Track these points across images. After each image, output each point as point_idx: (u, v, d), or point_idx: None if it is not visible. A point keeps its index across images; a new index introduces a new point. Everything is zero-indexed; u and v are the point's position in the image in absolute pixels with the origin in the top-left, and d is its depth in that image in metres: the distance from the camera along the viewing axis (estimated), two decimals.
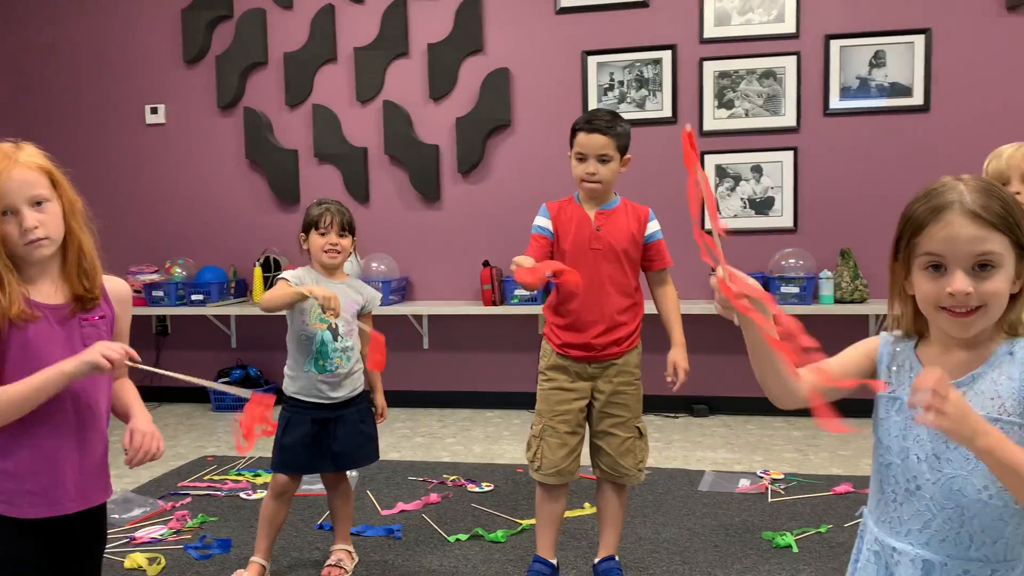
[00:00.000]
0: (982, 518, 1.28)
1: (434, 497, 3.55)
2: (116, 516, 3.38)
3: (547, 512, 2.66)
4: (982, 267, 1.26)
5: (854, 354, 1.47)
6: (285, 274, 2.69)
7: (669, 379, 2.62)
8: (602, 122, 2.52)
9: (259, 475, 3.94)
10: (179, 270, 5.47)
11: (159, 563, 2.93)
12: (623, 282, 2.60)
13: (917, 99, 4.67)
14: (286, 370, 2.76)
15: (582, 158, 2.56)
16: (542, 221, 2.65)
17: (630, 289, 2.62)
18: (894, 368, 1.40)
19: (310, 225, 2.72)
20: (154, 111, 5.63)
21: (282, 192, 5.46)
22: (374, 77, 5.28)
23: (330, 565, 2.84)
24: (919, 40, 4.64)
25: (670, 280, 2.72)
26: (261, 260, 5.38)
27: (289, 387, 2.73)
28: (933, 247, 1.29)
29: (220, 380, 5.47)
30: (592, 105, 5.02)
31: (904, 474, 1.34)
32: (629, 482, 2.66)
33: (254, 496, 3.65)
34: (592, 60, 5.02)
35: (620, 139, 2.55)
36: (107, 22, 5.65)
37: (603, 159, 2.53)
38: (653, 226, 2.65)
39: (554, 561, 2.69)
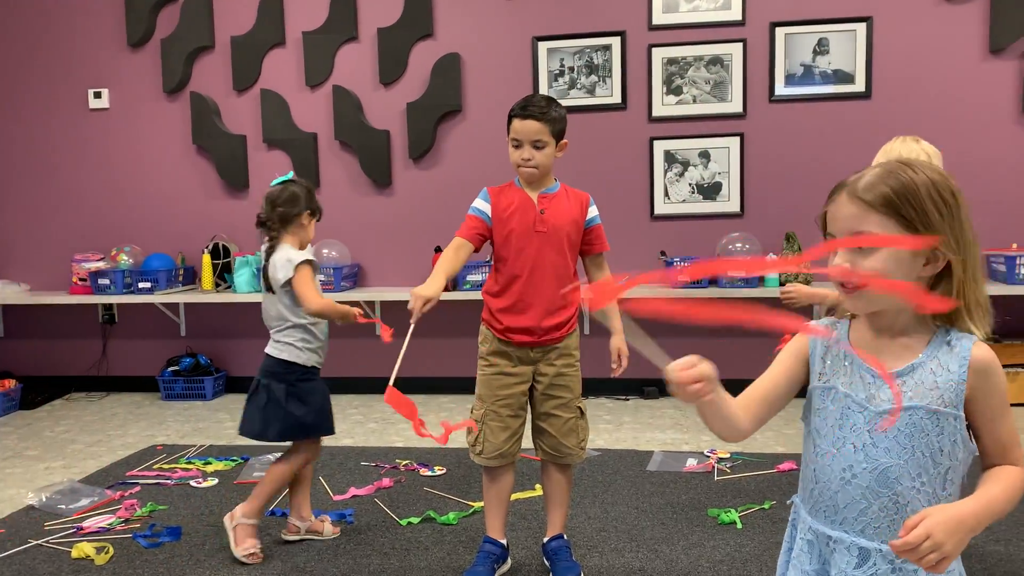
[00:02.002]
0: (915, 505, 1.32)
1: (386, 482, 3.57)
2: (63, 507, 3.34)
3: (494, 493, 2.70)
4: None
5: (782, 364, 1.48)
6: (309, 261, 2.83)
7: (613, 366, 2.65)
8: (536, 108, 2.54)
9: (209, 463, 3.92)
10: (126, 258, 5.38)
11: (107, 552, 2.90)
12: (563, 265, 2.64)
13: (859, 86, 4.78)
14: (302, 344, 2.86)
15: (518, 144, 2.58)
16: (481, 204, 2.67)
17: (569, 273, 2.66)
18: (828, 361, 1.42)
19: (316, 211, 2.96)
20: (97, 95, 5.51)
21: (230, 178, 5.39)
22: (323, 62, 5.24)
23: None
24: (861, 28, 4.75)
25: (607, 266, 2.78)
26: (210, 247, 5.32)
27: (310, 359, 2.88)
28: (829, 227, 1.36)
29: (169, 370, 5.41)
30: (543, 90, 5.05)
31: (840, 463, 1.36)
32: (572, 461, 2.71)
33: (204, 484, 3.63)
34: (542, 46, 5.04)
35: (554, 124, 2.57)
36: (48, 4, 5.50)
37: (537, 145, 2.57)
38: (593, 211, 2.72)
39: (504, 541, 2.73)
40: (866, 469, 1.34)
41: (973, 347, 1.33)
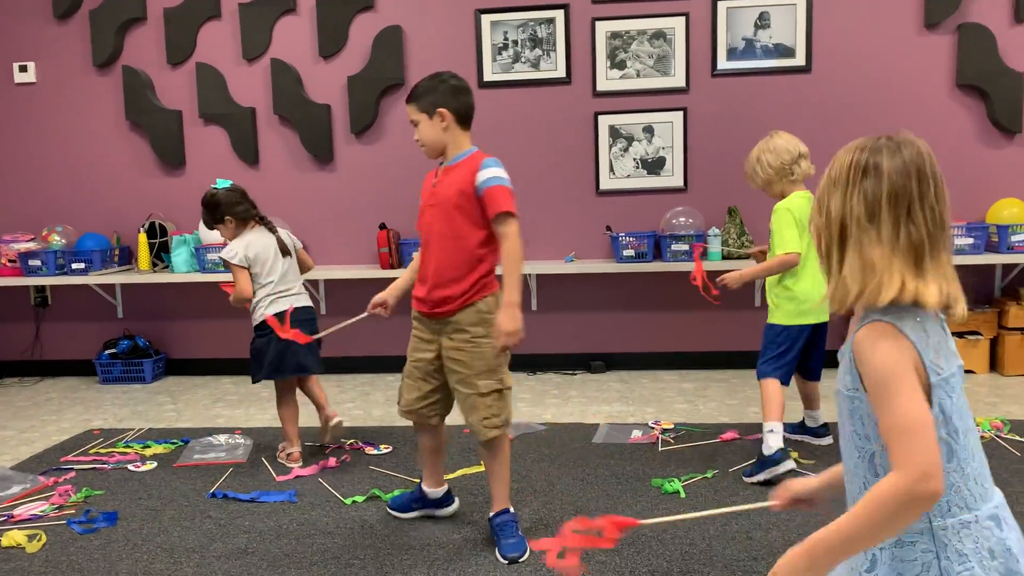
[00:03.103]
0: (851, 489, 1.35)
1: (331, 462, 3.53)
2: None
3: (420, 445, 2.92)
4: None
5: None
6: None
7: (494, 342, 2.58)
8: (410, 92, 2.69)
9: (148, 446, 3.83)
10: (58, 238, 5.20)
11: (39, 540, 2.82)
12: (452, 236, 2.59)
13: (799, 60, 4.83)
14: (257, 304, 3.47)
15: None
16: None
17: (465, 245, 2.59)
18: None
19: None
20: (23, 69, 5.29)
21: (166, 154, 5.24)
22: (260, 34, 5.10)
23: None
24: (801, 2, 4.78)
25: (510, 233, 2.58)
26: (146, 226, 5.17)
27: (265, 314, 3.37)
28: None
29: (106, 353, 5.27)
30: (487, 65, 5.00)
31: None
32: (477, 437, 2.70)
33: (143, 468, 3.54)
34: (485, 19, 4.97)
35: (420, 101, 2.63)
36: None
37: (414, 123, 2.66)
38: (485, 174, 2.57)
39: (435, 489, 2.91)
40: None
41: (860, 329, 1.26)
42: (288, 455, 3.55)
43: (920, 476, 1.15)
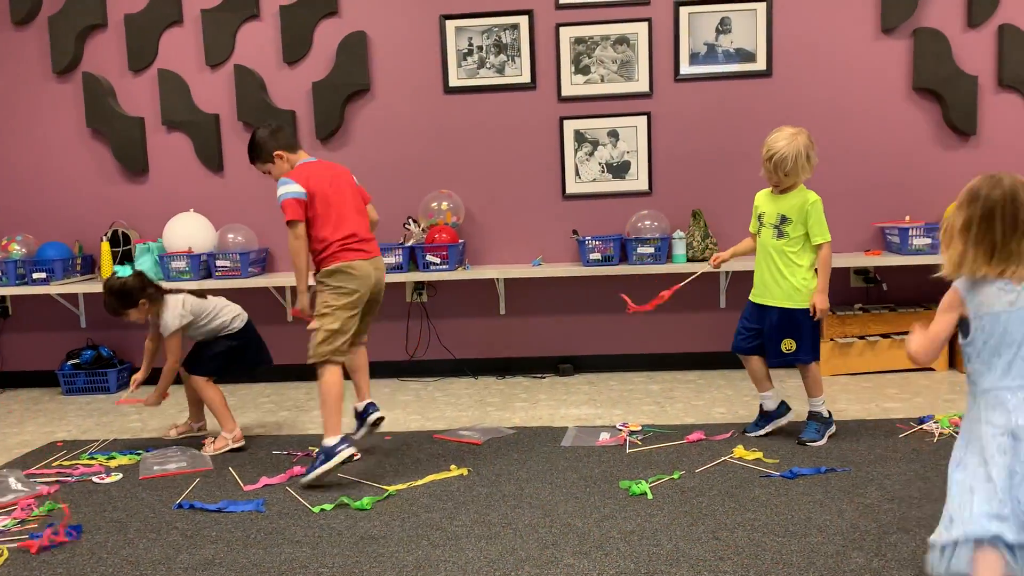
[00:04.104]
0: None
1: (299, 470, 3.51)
2: None
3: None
4: None
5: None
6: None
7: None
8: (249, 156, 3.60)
9: (113, 458, 3.78)
10: (17, 247, 5.13)
11: (1, 555, 2.77)
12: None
13: (760, 64, 4.90)
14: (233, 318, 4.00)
15: None
16: None
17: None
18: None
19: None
20: None
21: (128, 162, 5.18)
22: (223, 40, 5.07)
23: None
24: (761, 7, 4.86)
25: (289, 238, 3.49)
26: (109, 234, 5.11)
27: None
28: None
29: (69, 363, 5.20)
30: (452, 70, 5.01)
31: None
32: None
33: (108, 480, 3.50)
34: (450, 24, 4.99)
35: (258, 160, 3.58)
36: None
37: (267, 172, 3.63)
38: (277, 193, 3.44)
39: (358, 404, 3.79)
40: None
41: None
42: (232, 437, 3.87)
43: (914, 352, 2.17)
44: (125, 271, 3.80)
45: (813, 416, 3.64)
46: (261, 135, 3.55)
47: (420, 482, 3.32)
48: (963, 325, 2.08)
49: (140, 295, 3.78)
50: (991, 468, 1.99)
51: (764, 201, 3.61)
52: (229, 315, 3.96)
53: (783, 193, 3.55)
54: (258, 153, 3.57)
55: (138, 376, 3.99)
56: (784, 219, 3.52)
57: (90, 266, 5.30)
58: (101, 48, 5.16)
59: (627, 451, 3.59)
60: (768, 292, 3.58)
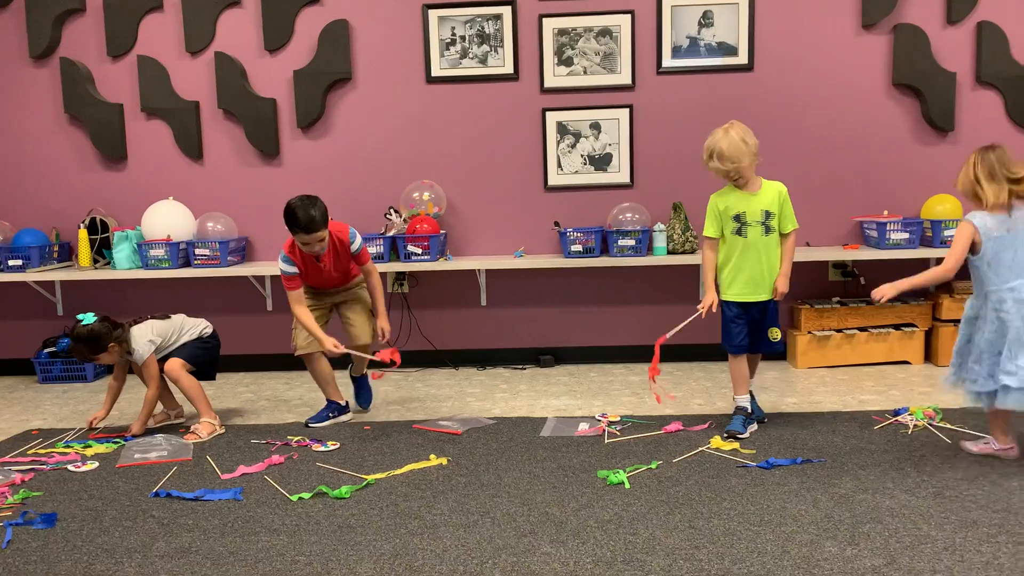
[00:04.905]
0: None
1: (277, 459, 3.50)
2: None
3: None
4: None
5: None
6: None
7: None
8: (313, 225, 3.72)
9: (89, 446, 3.76)
10: None
11: None
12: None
13: (742, 58, 4.92)
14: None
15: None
16: None
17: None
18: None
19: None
20: None
21: (107, 149, 5.13)
22: (204, 27, 5.02)
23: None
24: (743, 2, 4.87)
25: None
26: (87, 222, 5.06)
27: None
28: None
29: (46, 351, 5.15)
30: (435, 60, 4.99)
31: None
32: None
33: (83, 468, 3.48)
34: (433, 14, 4.97)
35: (324, 224, 3.77)
36: None
37: (322, 239, 3.82)
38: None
39: (340, 402, 4.07)
40: None
41: None
42: (217, 422, 3.98)
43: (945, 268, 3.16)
44: (88, 318, 3.83)
45: (752, 398, 3.80)
46: (321, 208, 3.75)
47: (399, 471, 3.32)
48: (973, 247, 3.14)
49: (109, 339, 3.82)
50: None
51: (737, 202, 3.58)
52: (196, 327, 4.09)
53: (749, 188, 3.57)
54: (322, 224, 3.74)
55: (99, 414, 4.03)
56: (768, 215, 3.56)
57: (67, 254, 5.25)
58: (79, 33, 5.10)
59: (606, 441, 3.61)
60: (760, 288, 3.62)
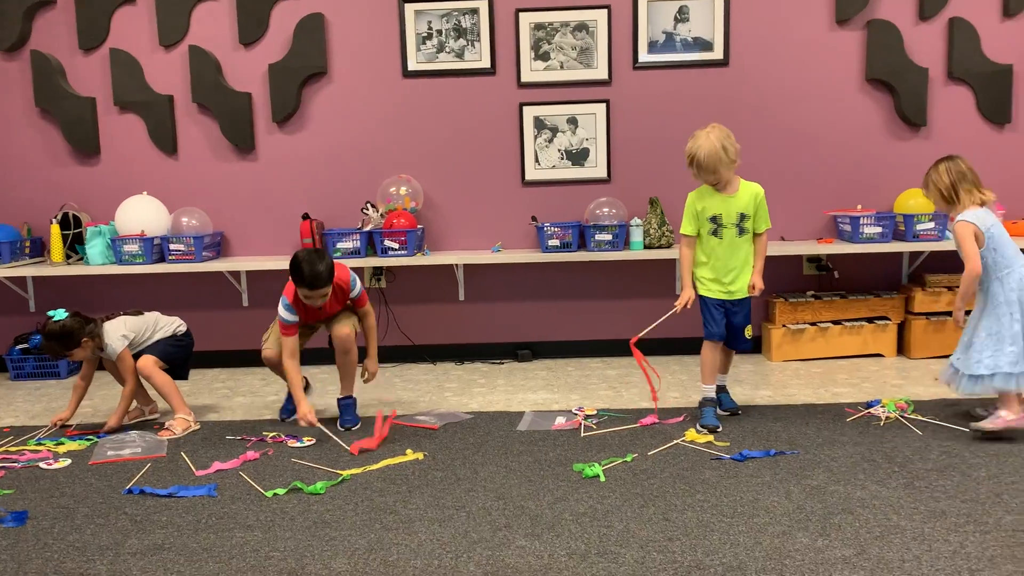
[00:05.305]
0: None
1: (252, 455, 3.49)
2: None
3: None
4: None
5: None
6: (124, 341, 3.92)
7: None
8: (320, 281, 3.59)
9: (62, 443, 3.72)
10: None
11: None
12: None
13: (717, 53, 4.94)
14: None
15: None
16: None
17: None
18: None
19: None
20: None
21: (79, 143, 5.07)
22: (178, 20, 4.97)
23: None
24: None
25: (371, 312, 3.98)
26: (59, 217, 5.00)
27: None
28: None
29: (18, 348, 5.10)
30: (411, 54, 4.97)
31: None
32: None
33: (55, 465, 3.45)
34: (409, 8, 4.95)
35: (330, 281, 3.64)
36: None
37: (325, 295, 3.70)
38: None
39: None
40: None
41: None
42: (192, 418, 3.97)
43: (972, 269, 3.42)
44: (60, 314, 3.80)
45: (724, 388, 3.88)
46: (328, 263, 3.63)
47: (375, 466, 3.31)
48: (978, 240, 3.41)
49: (81, 334, 3.79)
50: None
51: (713, 204, 3.61)
52: (171, 325, 4.07)
53: (727, 191, 3.60)
54: (327, 280, 3.62)
55: (63, 415, 3.96)
56: (743, 216, 3.60)
57: (39, 249, 5.19)
58: (50, 25, 5.04)
59: (582, 435, 3.63)
60: (737, 286, 3.65)
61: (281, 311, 3.73)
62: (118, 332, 3.88)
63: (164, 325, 4.05)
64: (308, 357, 4.15)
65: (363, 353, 3.97)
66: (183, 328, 4.12)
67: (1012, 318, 3.37)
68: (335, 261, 3.71)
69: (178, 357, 4.08)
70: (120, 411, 3.92)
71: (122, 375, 3.92)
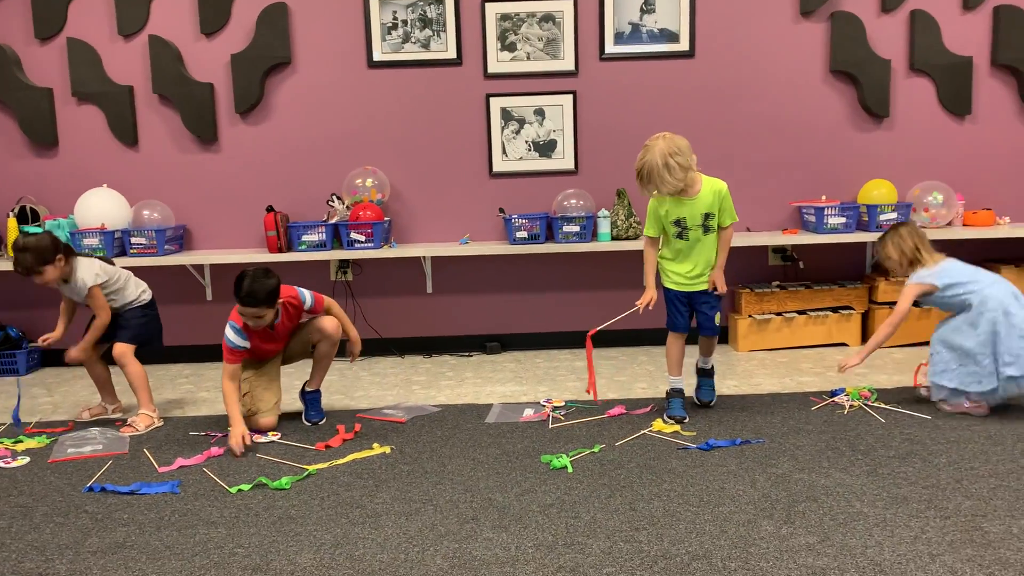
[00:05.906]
0: None
1: (216, 450, 3.44)
2: None
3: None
4: None
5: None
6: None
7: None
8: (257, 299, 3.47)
9: (20, 441, 3.64)
10: None
11: None
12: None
13: (683, 45, 4.95)
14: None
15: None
16: None
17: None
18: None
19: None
20: None
21: (36, 135, 4.96)
22: (137, 10, 4.88)
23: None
24: None
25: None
26: (16, 210, 4.89)
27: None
28: None
29: None
30: (376, 44, 4.93)
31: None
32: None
33: (13, 464, 3.37)
34: None
35: (268, 301, 3.51)
36: None
37: (262, 316, 3.56)
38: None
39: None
40: None
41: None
42: (156, 415, 3.92)
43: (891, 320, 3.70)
44: (35, 230, 3.72)
45: (711, 374, 3.85)
46: (269, 286, 3.46)
47: (341, 461, 3.29)
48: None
49: (56, 251, 3.71)
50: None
51: (676, 208, 3.55)
52: (138, 288, 3.98)
53: (687, 194, 3.51)
54: (263, 301, 3.47)
55: (52, 335, 3.94)
56: (708, 216, 3.55)
57: None
58: (4, 14, 4.92)
59: (550, 426, 3.62)
60: (701, 279, 3.65)
61: (229, 334, 3.55)
62: (92, 269, 3.80)
63: (134, 285, 3.97)
64: None
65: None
66: (148, 295, 4.02)
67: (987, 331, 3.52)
68: (283, 285, 3.56)
69: (152, 331, 4.01)
70: (88, 341, 3.86)
71: (96, 310, 3.83)
